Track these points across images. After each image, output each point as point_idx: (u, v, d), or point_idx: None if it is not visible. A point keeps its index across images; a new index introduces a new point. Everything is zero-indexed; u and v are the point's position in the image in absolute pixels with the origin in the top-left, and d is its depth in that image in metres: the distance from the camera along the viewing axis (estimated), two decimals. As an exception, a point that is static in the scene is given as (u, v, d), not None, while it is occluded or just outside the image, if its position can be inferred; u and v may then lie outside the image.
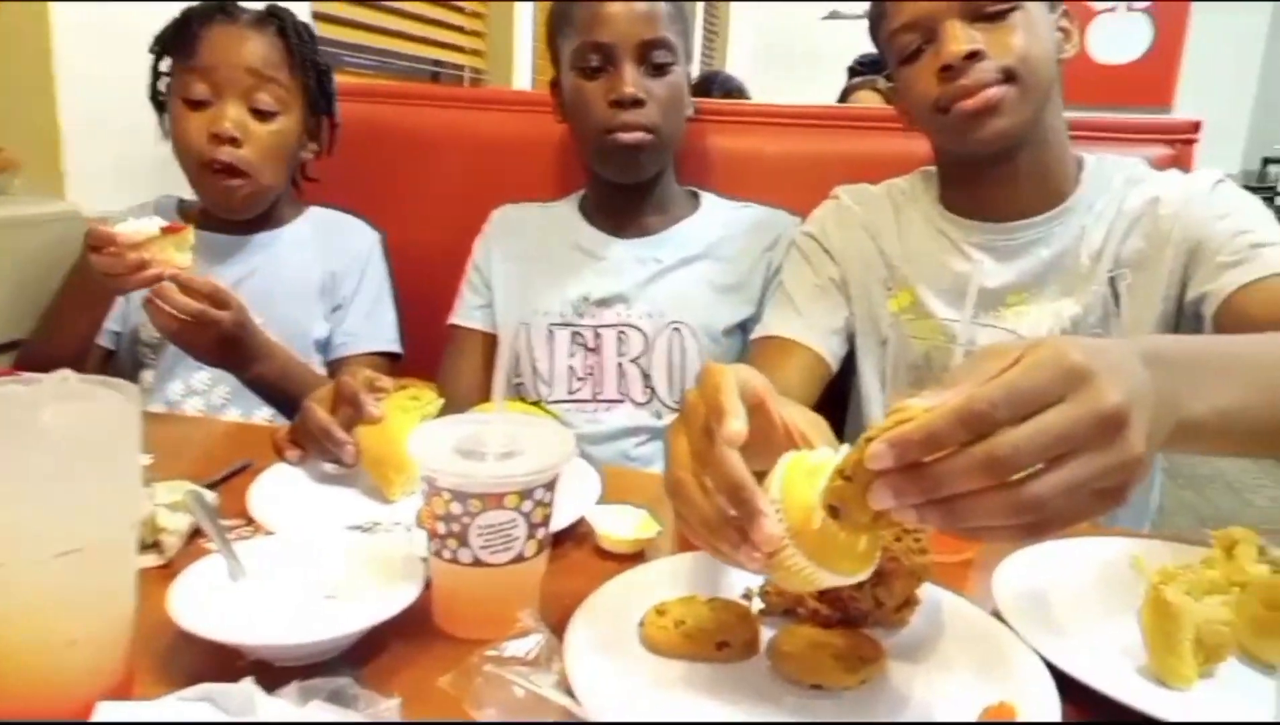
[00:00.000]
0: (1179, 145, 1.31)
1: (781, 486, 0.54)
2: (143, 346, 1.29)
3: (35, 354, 1.21)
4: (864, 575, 0.55)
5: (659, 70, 1.22)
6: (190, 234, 1.06)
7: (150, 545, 0.74)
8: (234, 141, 1.21)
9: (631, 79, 1.19)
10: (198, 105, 1.22)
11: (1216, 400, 0.56)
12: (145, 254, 1.02)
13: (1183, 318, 1.04)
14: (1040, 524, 0.47)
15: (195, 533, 0.76)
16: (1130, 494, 0.48)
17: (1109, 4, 5.70)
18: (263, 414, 1.25)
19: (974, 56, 0.96)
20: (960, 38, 0.96)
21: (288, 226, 1.37)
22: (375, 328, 1.37)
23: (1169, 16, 5.67)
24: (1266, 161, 6.17)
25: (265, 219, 1.35)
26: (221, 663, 0.59)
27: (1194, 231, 1.01)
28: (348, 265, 1.37)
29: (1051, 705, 0.56)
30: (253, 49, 1.24)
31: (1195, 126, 1.31)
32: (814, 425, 0.63)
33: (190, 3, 1.29)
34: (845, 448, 0.54)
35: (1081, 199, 1.08)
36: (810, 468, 0.54)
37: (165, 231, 1.04)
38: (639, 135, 1.21)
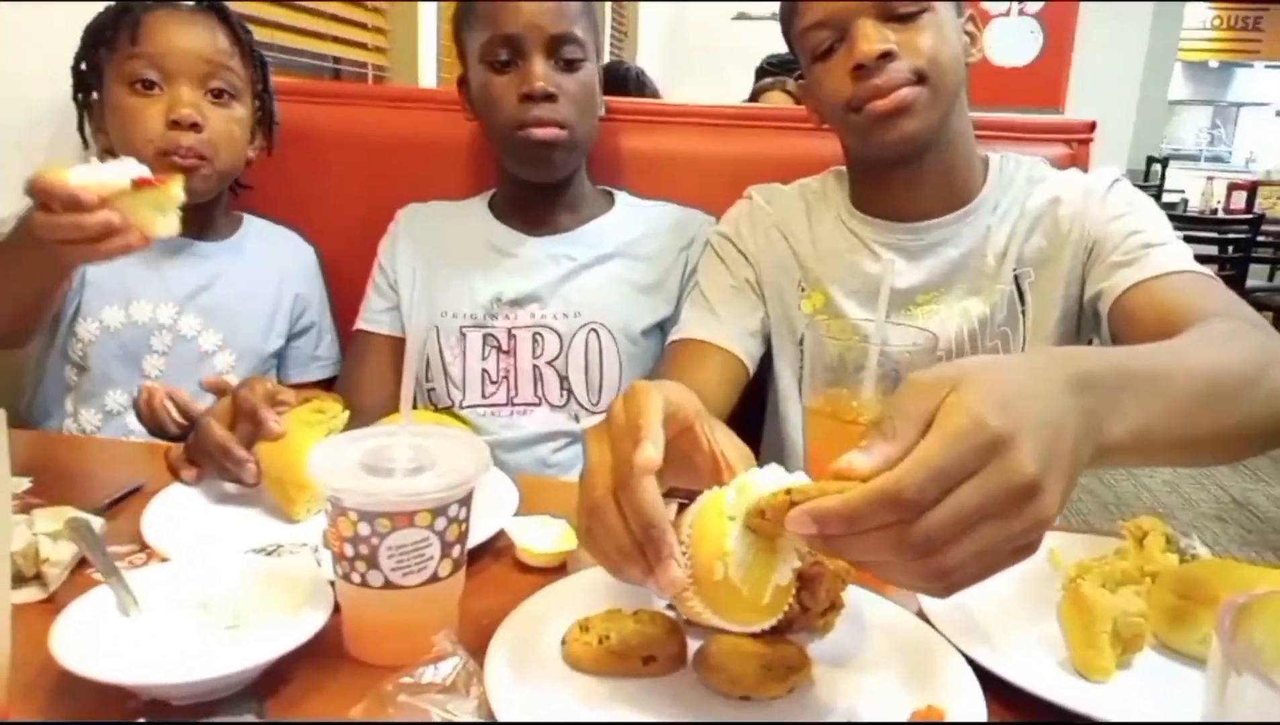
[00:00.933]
0: (1076, 145, 1.35)
1: (692, 532, 0.54)
2: (76, 340, 1.19)
3: None
4: (764, 626, 0.56)
5: (569, 66, 1.19)
6: (176, 189, 0.81)
7: (31, 578, 0.68)
8: (195, 127, 1.16)
9: (542, 73, 1.17)
10: (147, 92, 1.16)
11: (1136, 421, 0.56)
12: (113, 216, 0.76)
13: (1083, 315, 1.07)
14: (951, 585, 0.49)
15: (82, 562, 0.71)
16: (1038, 547, 0.50)
17: (1002, 8, 5.90)
18: None
19: (886, 56, 0.97)
20: (873, 37, 0.97)
21: (234, 239, 1.32)
22: (335, 351, 1.38)
23: (1059, 21, 5.90)
24: (1151, 161, 6.49)
25: (209, 224, 1.29)
26: (113, 703, 0.55)
27: (1091, 231, 1.04)
28: (308, 287, 1.36)
29: (977, 705, 0.56)
30: (204, 35, 1.20)
31: (1091, 126, 1.35)
32: (741, 457, 0.61)
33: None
34: (758, 472, 0.55)
35: (987, 199, 1.10)
36: (724, 509, 0.54)
37: (140, 185, 0.78)
38: (552, 131, 1.18)
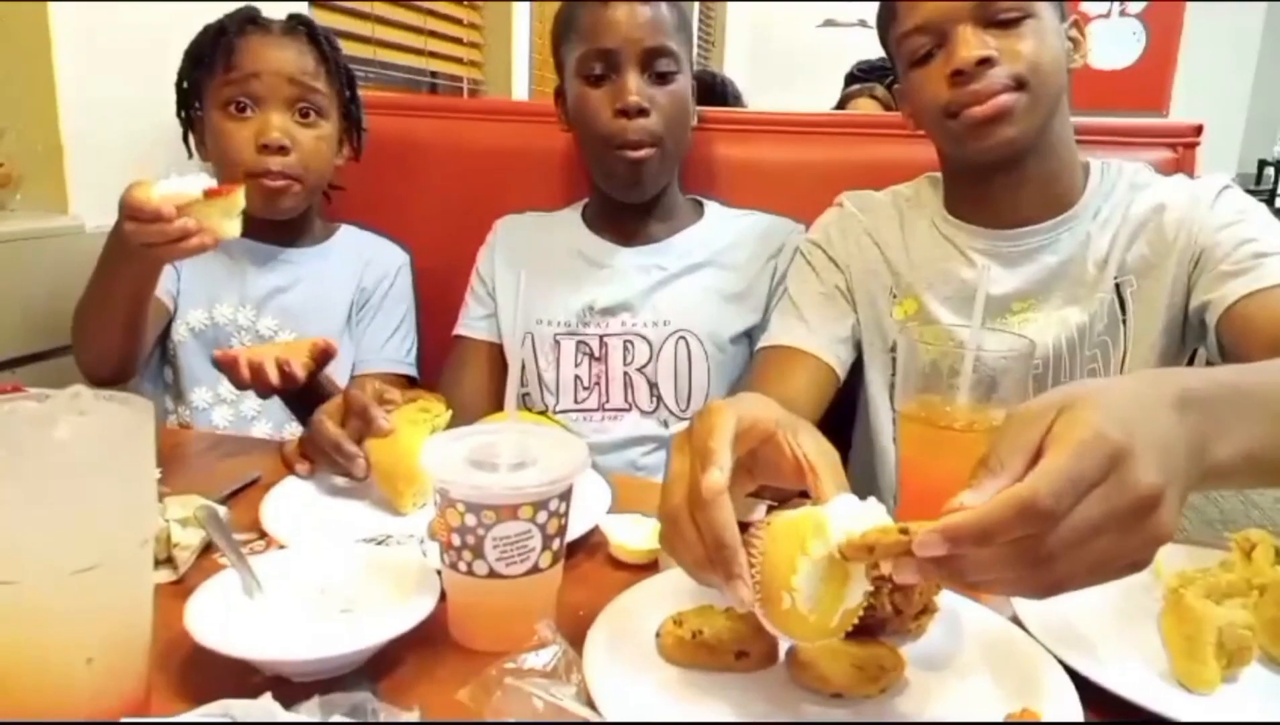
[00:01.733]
0: (1181, 149, 1.31)
1: (762, 560, 0.55)
2: (170, 341, 1.28)
3: (84, 330, 1.13)
4: (833, 637, 0.56)
5: (663, 79, 1.22)
6: (239, 197, 0.95)
7: (163, 561, 0.73)
8: (283, 150, 1.22)
9: (635, 87, 1.19)
10: (240, 114, 1.23)
11: (1241, 442, 0.55)
12: (189, 221, 0.90)
13: (1188, 325, 1.04)
14: (1054, 594, 0.49)
15: (207, 547, 0.76)
16: (1150, 562, 0.50)
17: (1103, 9, 5.72)
18: (293, 429, 1.24)
19: (986, 63, 0.96)
20: (973, 43, 0.96)
21: (323, 245, 1.38)
22: (393, 349, 1.38)
23: (1163, 21, 5.69)
24: (1263, 164, 6.18)
25: (301, 233, 1.36)
26: (238, 678, 0.58)
27: (1198, 239, 1.01)
28: (375, 283, 1.39)
29: (1074, 712, 0.55)
30: (291, 57, 1.25)
31: (1198, 130, 1.31)
32: (826, 457, 0.62)
33: (210, 13, 1.29)
34: (837, 506, 0.55)
35: (1088, 206, 1.07)
36: (791, 527, 0.55)
37: (210, 195, 0.92)
38: (645, 151, 1.21)
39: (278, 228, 1.32)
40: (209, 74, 1.25)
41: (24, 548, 0.47)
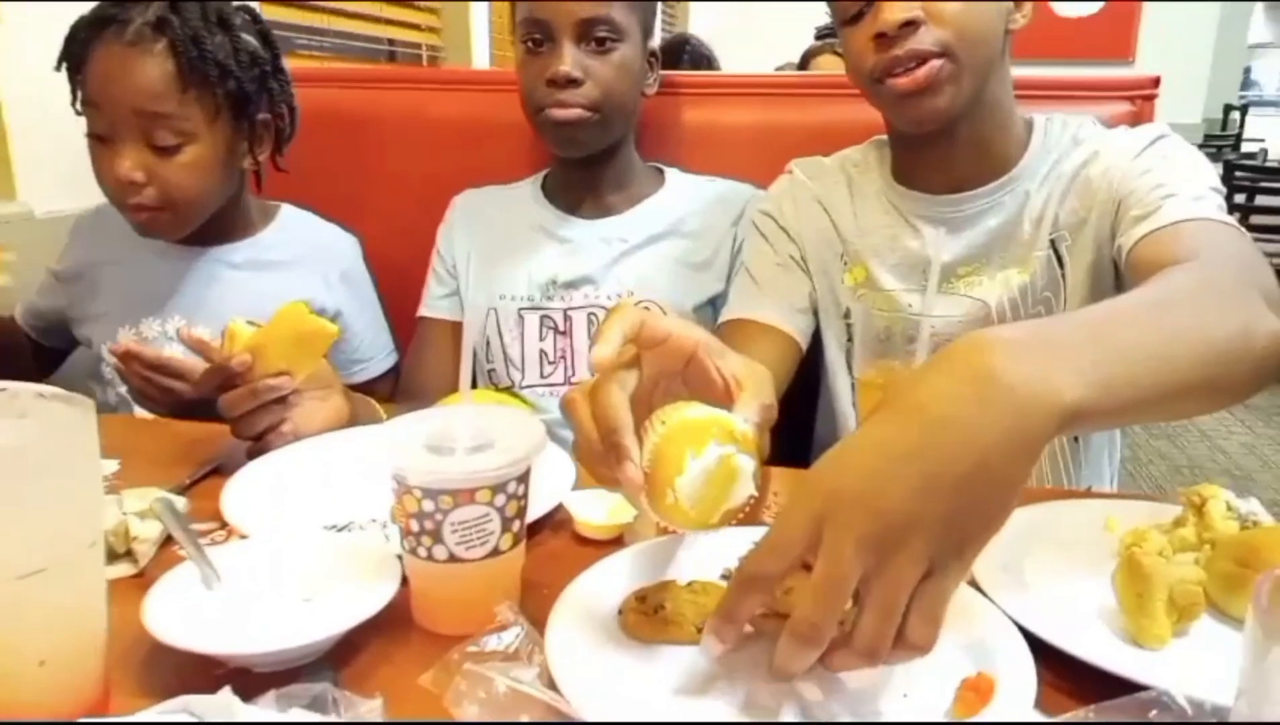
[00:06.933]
0: (1139, 101, 1.31)
1: (652, 455, 0.57)
2: (104, 363, 1.26)
3: None
4: (712, 531, 0.60)
5: (601, 47, 1.19)
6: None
7: (123, 554, 0.73)
8: (136, 185, 1.12)
9: (570, 58, 1.17)
10: (103, 144, 1.13)
11: (1097, 375, 0.53)
12: None
13: (1118, 275, 1.02)
14: (874, 651, 0.50)
15: (168, 539, 0.75)
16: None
17: (1068, -44, 5.70)
18: None
19: (910, 25, 0.93)
20: (898, 5, 0.93)
21: (260, 235, 1.30)
22: (382, 346, 1.35)
23: (1127, -34, 5.68)
24: (1228, 108, 6.21)
25: (227, 229, 1.27)
26: (201, 671, 0.58)
27: (1118, 187, 0.99)
28: (332, 293, 1.30)
29: (1028, 673, 0.56)
30: (138, 83, 1.10)
31: (1155, 82, 1.31)
32: (753, 374, 0.64)
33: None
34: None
35: (1028, 166, 1.05)
36: (687, 427, 0.57)
37: None
38: (575, 112, 1.19)
39: (199, 227, 1.23)
40: (77, 86, 1.14)
41: (-33, 554, 0.47)
